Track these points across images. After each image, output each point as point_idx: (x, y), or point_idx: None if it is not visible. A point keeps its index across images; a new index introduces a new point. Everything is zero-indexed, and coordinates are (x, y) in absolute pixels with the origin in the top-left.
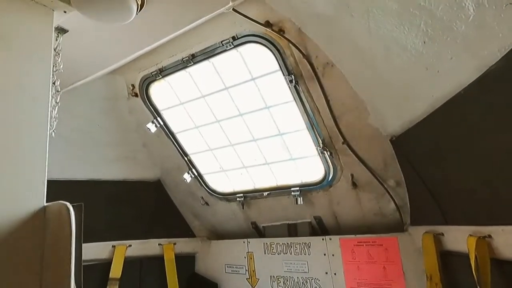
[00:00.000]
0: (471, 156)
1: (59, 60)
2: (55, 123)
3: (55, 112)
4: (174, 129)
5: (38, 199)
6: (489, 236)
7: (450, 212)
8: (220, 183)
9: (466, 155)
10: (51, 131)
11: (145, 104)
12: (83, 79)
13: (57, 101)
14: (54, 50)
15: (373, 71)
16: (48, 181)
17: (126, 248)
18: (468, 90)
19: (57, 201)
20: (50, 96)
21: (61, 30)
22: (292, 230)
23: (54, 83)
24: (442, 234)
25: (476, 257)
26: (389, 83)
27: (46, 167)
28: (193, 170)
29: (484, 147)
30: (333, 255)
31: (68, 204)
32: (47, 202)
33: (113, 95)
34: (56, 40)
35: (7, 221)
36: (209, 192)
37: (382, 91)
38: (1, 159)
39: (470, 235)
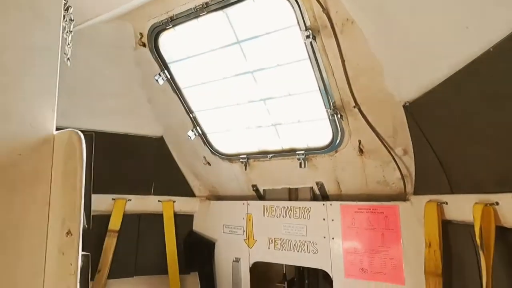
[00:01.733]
0: (488, 121)
1: None
2: (70, 49)
3: (69, 39)
4: (181, 84)
5: (47, 125)
6: (496, 203)
7: (457, 180)
8: (224, 144)
9: (482, 120)
10: (65, 58)
11: (152, 55)
12: (88, 20)
13: (71, 29)
14: None
15: (395, 30)
16: None
17: (126, 202)
18: (498, 47)
19: (67, 129)
20: (62, 19)
21: None
22: (293, 195)
23: (67, 10)
24: (446, 203)
25: (480, 224)
26: (411, 43)
27: (57, 92)
28: (198, 128)
29: (507, 111)
30: (332, 220)
31: (78, 131)
32: None
33: (120, 44)
34: None
35: (14, 146)
36: (212, 152)
37: (401, 52)
38: (8, 79)
39: (476, 203)
